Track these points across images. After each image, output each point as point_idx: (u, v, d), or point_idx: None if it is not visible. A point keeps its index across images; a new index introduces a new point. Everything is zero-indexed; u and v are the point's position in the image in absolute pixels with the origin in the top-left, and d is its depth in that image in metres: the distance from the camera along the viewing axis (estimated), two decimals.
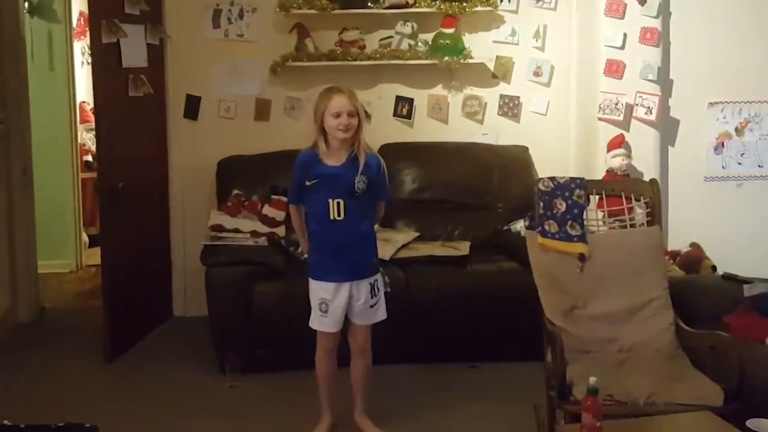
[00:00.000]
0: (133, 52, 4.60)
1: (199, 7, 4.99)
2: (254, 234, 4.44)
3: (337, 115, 3.21)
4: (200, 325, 4.48)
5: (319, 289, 3.37)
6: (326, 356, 3.44)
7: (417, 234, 4.66)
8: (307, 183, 3.31)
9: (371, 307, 3.39)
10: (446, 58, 4.93)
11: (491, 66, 5.10)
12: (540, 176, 3.98)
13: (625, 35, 4.83)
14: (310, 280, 3.40)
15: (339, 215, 3.26)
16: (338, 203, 3.26)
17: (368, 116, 5.05)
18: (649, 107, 4.82)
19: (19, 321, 5.00)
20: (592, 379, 2.46)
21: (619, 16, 4.83)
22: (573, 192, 3.54)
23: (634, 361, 3.17)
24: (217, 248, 4.33)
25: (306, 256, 3.44)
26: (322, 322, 3.38)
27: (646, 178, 4.48)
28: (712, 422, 2.55)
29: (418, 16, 4.97)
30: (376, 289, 3.39)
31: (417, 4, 4.93)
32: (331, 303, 3.33)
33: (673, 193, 4.95)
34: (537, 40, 5.09)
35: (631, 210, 3.60)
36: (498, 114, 5.16)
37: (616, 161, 4.78)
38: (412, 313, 4.12)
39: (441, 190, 4.89)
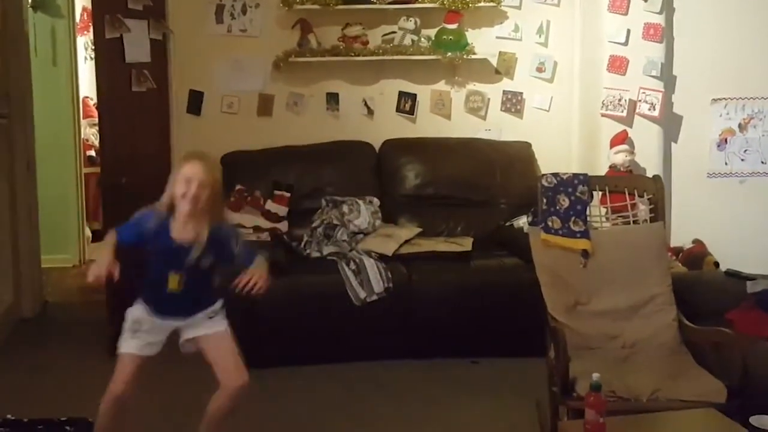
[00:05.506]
0: (136, 47, 4.59)
1: (202, 3, 4.98)
2: (257, 229, 4.45)
3: (187, 182, 2.76)
4: None
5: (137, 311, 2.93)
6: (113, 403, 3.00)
7: (419, 230, 4.66)
8: (148, 248, 2.87)
9: (210, 318, 2.98)
10: (449, 53, 4.93)
11: (494, 62, 5.10)
12: (543, 172, 3.98)
13: (628, 31, 4.81)
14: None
15: (176, 287, 2.84)
16: (179, 277, 2.84)
17: (371, 112, 5.08)
18: (652, 103, 4.81)
19: (22, 315, 5.00)
20: (595, 375, 2.47)
21: (623, 12, 4.82)
22: (576, 188, 3.54)
23: (637, 358, 3.17)
24: None
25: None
26: (128, 344, 2.92)
27: (649, 174, 4.46)
28: (715, 419, 2.55)
29: (421, 12, 4.97)
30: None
31: (420, 0, 4.93)
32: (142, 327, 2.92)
33: (676, 189, 4.93)
34: (540, 36, 5.08)
35: (634, 206, 3.60)
36: (501, 110, 5.15)
37: (619, 157, 4.77)
38: (414, 309, 4.12)
39: (443, 185, 4.88)
